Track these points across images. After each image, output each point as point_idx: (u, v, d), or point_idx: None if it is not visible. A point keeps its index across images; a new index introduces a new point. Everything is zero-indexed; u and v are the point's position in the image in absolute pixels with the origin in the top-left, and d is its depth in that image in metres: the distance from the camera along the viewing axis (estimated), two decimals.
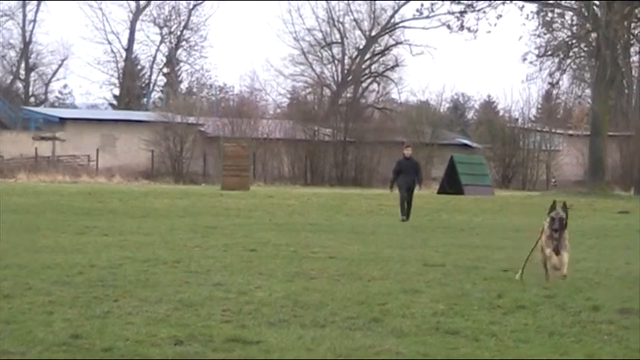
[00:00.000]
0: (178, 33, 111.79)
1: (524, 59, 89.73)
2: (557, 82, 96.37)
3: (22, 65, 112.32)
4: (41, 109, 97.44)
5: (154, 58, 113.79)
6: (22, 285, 15.14)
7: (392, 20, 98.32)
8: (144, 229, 28.11)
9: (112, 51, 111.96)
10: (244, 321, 12.19)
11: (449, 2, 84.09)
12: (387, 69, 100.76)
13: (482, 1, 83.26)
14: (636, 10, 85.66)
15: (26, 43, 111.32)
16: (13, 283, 15.28)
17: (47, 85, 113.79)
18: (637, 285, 17.33)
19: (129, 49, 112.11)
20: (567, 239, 15.64)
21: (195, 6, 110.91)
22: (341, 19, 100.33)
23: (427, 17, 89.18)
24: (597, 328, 12.38)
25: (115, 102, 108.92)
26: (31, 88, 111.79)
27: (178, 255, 20.73)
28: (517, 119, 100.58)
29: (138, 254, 20.55)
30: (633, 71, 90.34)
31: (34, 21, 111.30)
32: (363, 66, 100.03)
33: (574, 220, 35.92)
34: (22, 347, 10.34)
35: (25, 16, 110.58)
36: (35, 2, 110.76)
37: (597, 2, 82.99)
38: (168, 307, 13.29)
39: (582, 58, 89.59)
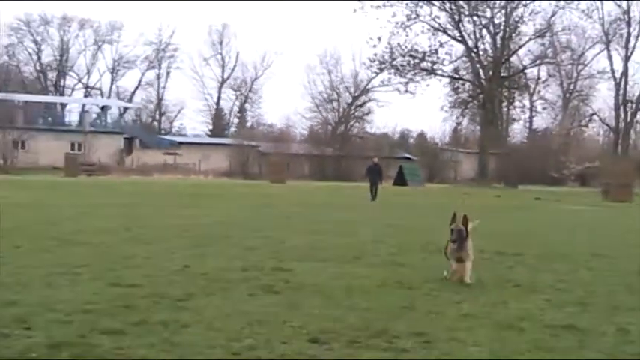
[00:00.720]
0: (246, 94, 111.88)
1: (442, 109, 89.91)
2: (461, 123, 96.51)
3: (157, 112, 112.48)
4: (167, 137, 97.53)
5: (232, 108, 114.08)
6: (156, 236, 15.14)
7: (367, 86, 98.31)
8: (226, 205, 28.05)
9: (208, 104, 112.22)
10: (282, 258, 12.16)
11: (399, 77, 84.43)
12: (364, 114, 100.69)
13: (417, 77, 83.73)
14: (505, 83, 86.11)
15: (159, 100, 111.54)
16: (153, 236, 15.29)
17: (171, 123, 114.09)
18: (508, 237, 17.35)
19: (217, 103, 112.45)
20: (470, 248, 10.30)
21: (255, 79, 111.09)
22: (337, 86, 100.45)
23: (387, 85, 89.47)
24: (482, 264, 12.34)
25: (209, 133, 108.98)
26: (162, 125, 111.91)
27: (244, 220, 20.70)
28: (437, 143, 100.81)
29: (222, 219, 20.53)
30: (504, 116, 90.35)
31: (164, 87, 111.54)
32: (350, 112, 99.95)
33: (470, 200, 35.96)
34: (154, 272, 10.33)
35: (159, 83, 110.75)
36: (164, 77, 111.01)
37: (484, 77, 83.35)
38: (239, 250, 13.26)
39: (475, 109, 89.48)
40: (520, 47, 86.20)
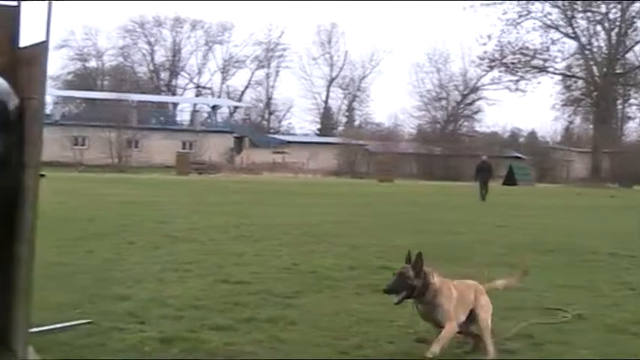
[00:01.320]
0: (354, 93, 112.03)
1: (553, 107, 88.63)
2: (573, 121, 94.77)
3: (266, 111, 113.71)
4: (276, 136, 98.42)
5: (340, 107, 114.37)
6: (265, 234, 15.31)
7: (476, 85, 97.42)
8: (333, 204, 28.15)
9: (316, 103, 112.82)
10: (389, 257, 12.15)
11: (509, 75, 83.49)
12: (473, 113, 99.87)
13: (528, 75, 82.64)
14: (620, 80, 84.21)
15: (268, 99, 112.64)
16: (261, 234, 15.47)
17: (280, 122, 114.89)
18: (622, 238, 16.91)
19: (326, 102, 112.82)
20: (444, 305, 6.11)
21: (363, 78, 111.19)
22: (446, 84, 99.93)
23: (496, 83, 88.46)
24: (593, 265, 12.09)
25: (318, 131, 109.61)
26: (271, 124, 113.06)
27: (351, 218, 20.75)
28: (548, 142, 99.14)
29: (329, 218, 20.63)
30: (618, 114, 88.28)
31: (273, 87, 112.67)
32: (459, 111, 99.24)
33: (583, 200, 35.21)
34: (262, 269, 10.46)
35: (268, 82, 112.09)
36: (273, 76, 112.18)
37: (597, 74, 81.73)
38: (346, 248, 13.33)
39: (588, 107, 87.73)
40: (637, 43, 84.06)
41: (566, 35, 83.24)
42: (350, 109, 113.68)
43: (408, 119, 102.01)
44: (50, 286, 8.16)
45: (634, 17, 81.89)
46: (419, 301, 6.19)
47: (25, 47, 5.64)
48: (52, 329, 6.54)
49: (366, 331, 6.95)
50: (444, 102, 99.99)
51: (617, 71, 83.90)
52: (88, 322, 6.92)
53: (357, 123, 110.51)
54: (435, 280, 6.22)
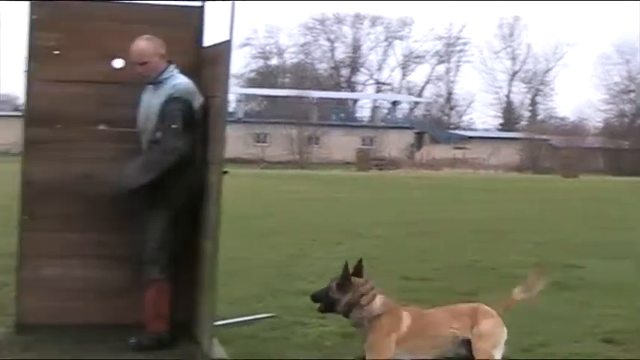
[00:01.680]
0: (537, 87, 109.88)
1: None
2: None
3: (447, 106, 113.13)
4: (457, 131, 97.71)
5: (522, 102, 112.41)
6: (445, 229, 15.20)
7: None
8: (515, 199, 27.48)
9: (498, 97, 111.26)
10: (574, 254, 11.86)
11: None
12: None
13: None
14: None
15: (449, 94, 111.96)
16: (442, 229, 15.38)
17: (461, 117, 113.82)
18: None
19: (508, 96, 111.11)
20: (374, 336, 5.13)
21: (546, 71, 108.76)
22: (635, 76, 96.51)
23: None
24: None
25: (499, 126, 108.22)
26: (451, 119, 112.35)
27: (534, 214, 20.30)
28: None
29: (511, 214, 20.28)
30: None
31: (453, 81, 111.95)
32: None
33: None
34: (443, 265, 10.39)
35: (449, 77, 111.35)
36: (453, 71, 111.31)
37: None
38: (528, 245, 13.12)
39: None
40: None
41: None
42: (533, 103, 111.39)
43: (594, 113, 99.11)
44: (234, 281, 8.40)
45: None
46: (352, 323, 5.41)
47: (210, 47, 5.83)
48: (236, 322, 6.73)
49: (550, 329, 6.80)
50: (632, 94, 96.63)
51: None
52: (272, 316, 7.09)
53: (540, 117, 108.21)
54: (376, 305, 5.33)
